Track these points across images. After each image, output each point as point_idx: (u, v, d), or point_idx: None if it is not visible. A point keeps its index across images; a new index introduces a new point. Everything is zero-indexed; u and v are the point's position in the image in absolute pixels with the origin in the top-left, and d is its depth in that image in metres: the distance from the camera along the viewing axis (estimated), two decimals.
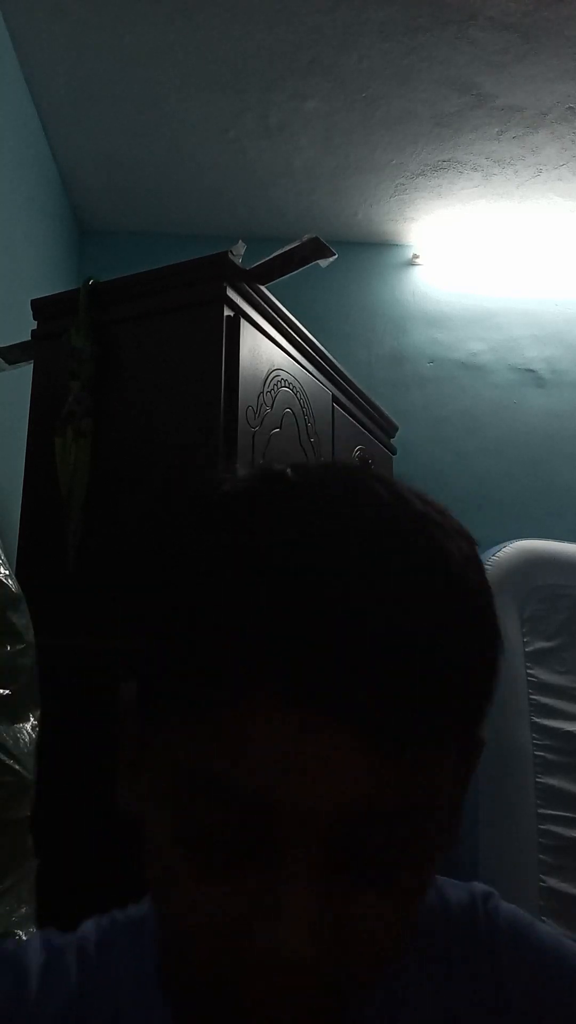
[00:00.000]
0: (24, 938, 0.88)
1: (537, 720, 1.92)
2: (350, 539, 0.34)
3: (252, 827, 0.34)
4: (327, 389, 1.68)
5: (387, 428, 2.17)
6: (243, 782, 0.33)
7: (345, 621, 0.32)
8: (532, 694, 1.94)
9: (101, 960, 0.45)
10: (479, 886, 0.52)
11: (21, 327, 1.51)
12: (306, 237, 1.33)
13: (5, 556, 1.07)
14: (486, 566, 2.06)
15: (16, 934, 0.89)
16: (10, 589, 1.03)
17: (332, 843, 0.34)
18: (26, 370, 1.48)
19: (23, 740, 0.97)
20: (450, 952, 0.49)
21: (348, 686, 0.32)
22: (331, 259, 1.34)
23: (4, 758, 0.93)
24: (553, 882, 1.80)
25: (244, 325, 1.32)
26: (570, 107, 2.05)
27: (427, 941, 0.49)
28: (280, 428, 1.41)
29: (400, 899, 0.35)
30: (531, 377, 2.66)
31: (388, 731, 0.32)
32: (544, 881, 1.80)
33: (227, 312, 1.29)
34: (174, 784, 0.35)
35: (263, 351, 1.39)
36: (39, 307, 1.46)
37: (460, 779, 0.40)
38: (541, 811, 1.86)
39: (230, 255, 1.29)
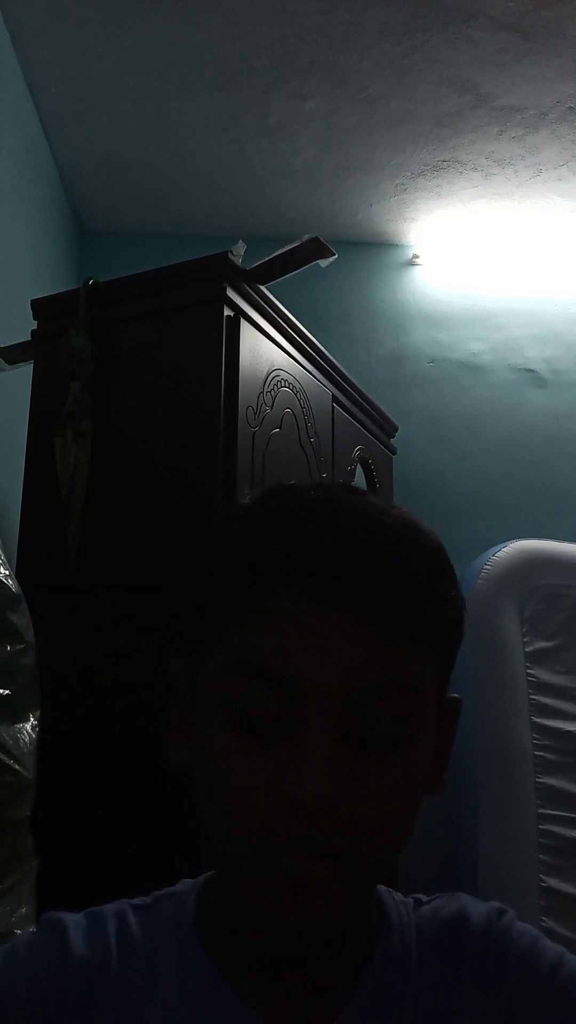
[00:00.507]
0: None
1: (537, 720, 1.92)
2: (342, 507, 0.47)
3: (283, 701, 0.44)
4: (327, 389, 1.68)
5: (387, 428, 2.17)
6: (277, 664, 0.44)
7: (348, 546, 0.45)
8: (532, 694, 1.94)
9: (140, 921, 0.52)
10: (496, 905, 0.54)
11: (21, 327, 1.51)
12: (306, 237, 1.33)
13: (5, 556, 1.07)
14: (486, 566, 2.06)
15: (16, 934, 0.89)
16: (10, 589, 1.03)
17: (344, 713, 0.44)
18: (26, 370, 1.48)
19: (23, 740, 0.97)
20: (464, 967, 0.51)
21: (352, 589, 0.44)
22: (331, 259, 1.34)
23: (4, 758, 0.93)
24: (553, 882, 1.80)
25: (244, 325, 1.32)
26: (570, 107, 2.05)
27: (445, 954, 0.51)
28: (280, 428, 1.41)
29: (397, 773, 0.45)
30: (531, 377, 2.66)
31: (383, 622, 0.44)
32: (544, 881, 1.80)
33: (227, 312, 1.29)
34: (224, 683, 0.46)
35: (263, 351, 1.39)
36: (39, 307, 1.46)
37: (441, 731, 0.50)
38: (541, 811, 1.86)
39: (230, 255, 1.29)
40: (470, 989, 0.50)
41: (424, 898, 0.56)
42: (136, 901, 0.54)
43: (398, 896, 0.56)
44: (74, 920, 0.52)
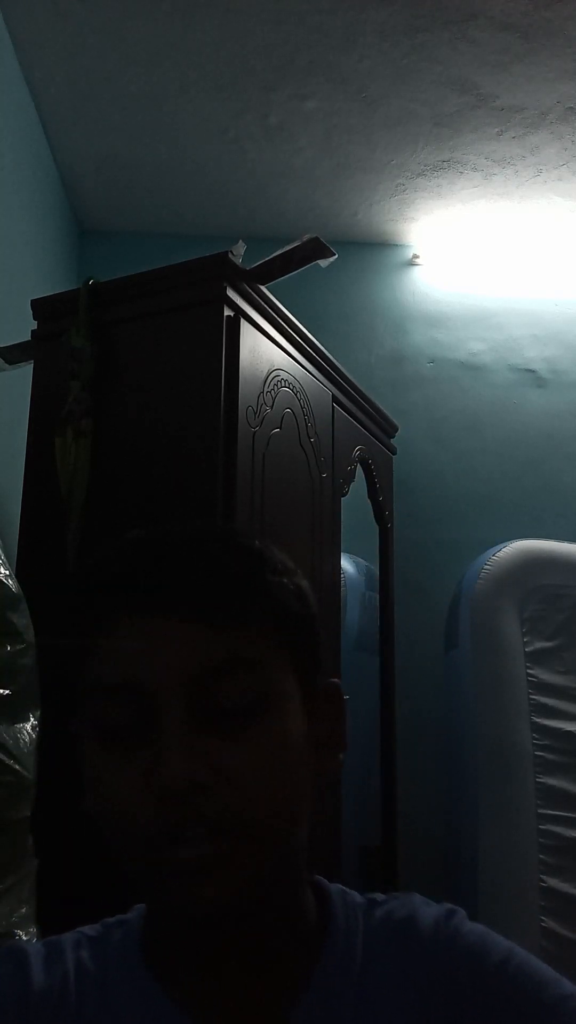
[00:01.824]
0: (24, 938, 0.89)
1: (537, 720, 1.92)
2: (168, 529, 0.54)
3: (136, 708, 0.48)
4: (327, 389, 1.68)
5: (387, 428, 2.17)
6: (120, 677, 0.49)
7: (163, 558, 0.51)
8: (532, 694, 1.94)
9: (91, 953, 0.53)
10: (447, 906, 0.55)
11: (21, 327, 1.51)
12: (306, 237, 1.33)
13: (5, 556, 1.07)
14: (486, 566, 2.06)
15: (16, 934, 0.89)
16: (10, 589, 1.03)
17: (191, 701, 0.47)
18: (26, 370, 1.48)
19: (23, 740, 0.97)
20: (414, 971, 0.51)
21: (171, 593, 0.49)
22: (331, 259, 1.34)
23: (4, 758, 0.93)
24: (553, 882, 1.80)
25: (244, 325, 1.31)
26: (570, 107, 2.05)
27: (394, 957, 0.52)
28: (280, 428, 1.41)
29: (259, 748, 0.48)
30: (531, 377, 2.66)
31: (206, 614, 0.48)
32: (544, 881, 1.80)
33: (227, 312, 1.29)
34: (88, 707, 0.50)
35: (263, 351, 1.39)
36: (39, 307, 1.46)
37: (322, 715, 0.54)
38: (541, 811, 1.86)
39: (230, 255, 1.29)
40: (421, 993, 0.50)
41: (380, 898, 0.57)
42: (89, 931, 0.56)
43: (352, 897, 0.56)
44: (35, 950, 0.53)
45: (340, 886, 0.57)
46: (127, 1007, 0.50)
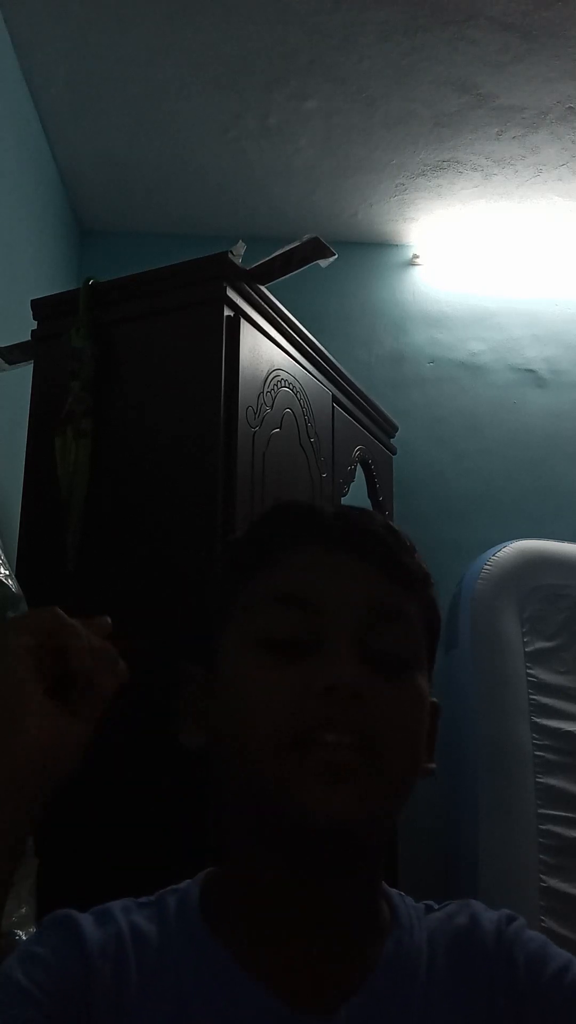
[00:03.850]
0: (24, 937, 0.88)
1: (537, 720, 1.92)
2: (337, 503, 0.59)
3: (308, 623, 0.50)
4: (327, 389, 1.68)
5: (387, 428, 2.17)
6: (300, 592, 0.52)
7: (349, 515, 0.56)
8: (532, 694, 1.94)
9: (147, 915, 0.53)
10: (506, 912, 0.56)
11: (21, 327, 1.51)
12: (306, 237, 1.33)
13: (5, 556, 1.07)
14: (486, 566, 2.06)
15: (16, 934, 0.89)
16: (10, 589, 1.03)
17: (360, 633, 0.50)
18: (26, 370, 1.48)
19: None
20: (476, 973, 0.52)
21: (358, 537, 0.54)
22: (331, 259, 1.34)
23: None
24: (553, 882, 1.80)
25: (244, 325, 1.32)
26: (570, 107, 2.05)
27: (457, 959, 0.52)
28: (280, 428, 1.41)
29: (405, 696, 0.51)
30: (531, 377, 2.65)
31: (385, 562, 0.53)
32: (544, 881, 1.80)
33: (227, 312, 1.29)
34: (253, 618, 0.52)
35: (263, 351, 1.39)
36: (39, 307, 1.46)
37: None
38: (541, 811, 1.85)
39: (230, 255, 1.29)
40: (483, 996, 0.50)
41: (435, 904, 0.57)
42: (140, 899, 0.55)
43: (409, 900, 0.57)
44: (82, 915, 0.53)
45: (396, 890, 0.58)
46: (189, 967, 0.50)
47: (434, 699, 0.56)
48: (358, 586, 0.52)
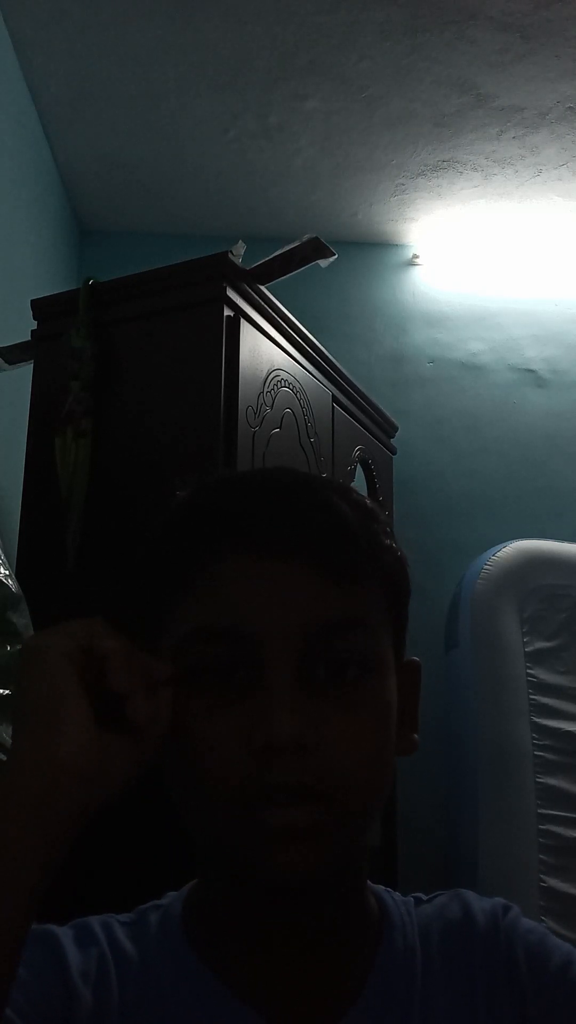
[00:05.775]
0: None
1: (537, 720, 1.92)
2: (274, 473, 0.51)
3: (243, 655, 0.44)
4: (327, 389, 1.68)
5: (387, 428, 2.17)
6: (230, 622, 0.45)
7: (283, 500, 0.47)
8: (532, 694, 1.94)
9: (128, 934, 0.51)
10: (500, 901, 0.54)
11: (21, 327, 1.51)
12: (306, 237, 1.33)
13: (5, 556, 1.07)
14: (486, 566, 2.06)
15: None
16: (10, 589, 1.03)
17: (304, 657, 0.44)
18: (26, 370, 1.48)
19: None
20: (474, 966, 0.50)
21: (293, 536, 0.45)
22: (331, 259, 1.34)
23: (4, 758, 0.93)
24: (553, 882, 1.80)
25: (244, 325, 1.32)
26: (570, 107, 2.05)
27: (453, 954, 0.51)
28: (280, 428, 1.41)
29: (363, 715, 0.46)
30: (531, 377, 2.65)
31: (328, 564, 0.45)
32: (544, 881, 1.80)
33: (227, 312, 1.29)
34: (184, 654, 0.46)
35: (263, 351, 1.39)
36: (39, 307, 1.46)
37: (404, 691, 0.51)
38: (541, 811, 1.85)
39: (230, 255, 1.29)
40: (481, 988, 0.49)
41: (424, 897, 0.56)
42: (120, 917, 0.53)
43: (398, 896, 0.55)
44: (62, 931, 0.50)
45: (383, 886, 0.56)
46: (173, 989, 0.48)
47: (413, 658, 0.53)
48: (296, 603, 0.45)
